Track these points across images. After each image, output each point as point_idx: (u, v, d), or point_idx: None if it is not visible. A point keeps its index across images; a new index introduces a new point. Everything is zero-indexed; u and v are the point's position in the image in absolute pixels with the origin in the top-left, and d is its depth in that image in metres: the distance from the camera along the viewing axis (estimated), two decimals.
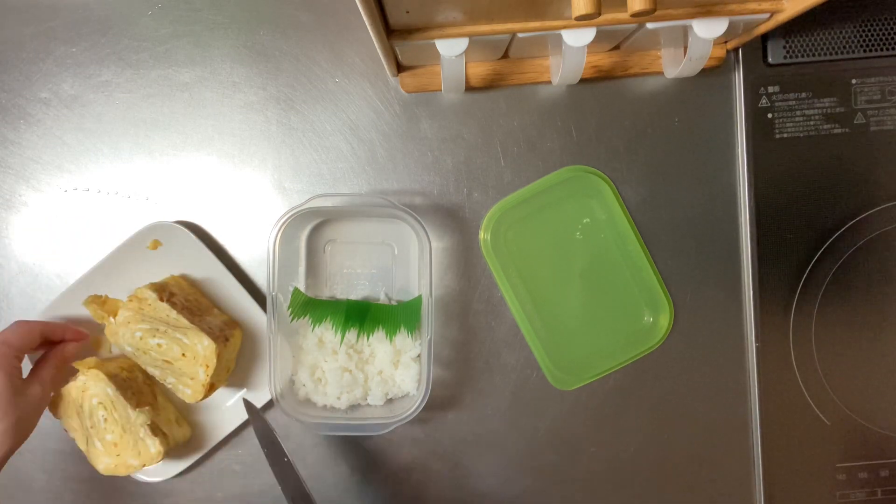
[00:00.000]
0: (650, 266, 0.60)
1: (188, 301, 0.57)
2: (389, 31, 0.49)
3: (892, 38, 0.60)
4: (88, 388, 0.56)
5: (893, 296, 0.61)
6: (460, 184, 0.61)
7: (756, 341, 0.60)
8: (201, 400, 0.55)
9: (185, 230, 0.58)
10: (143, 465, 0.55)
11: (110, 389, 0.56)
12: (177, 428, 0.58)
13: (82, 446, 0.57)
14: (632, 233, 0.60)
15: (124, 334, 0.55)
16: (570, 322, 0.61)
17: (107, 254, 0.58)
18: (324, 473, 0.61)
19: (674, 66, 0.57)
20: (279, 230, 0.55)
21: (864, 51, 0.60)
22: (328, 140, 0.61)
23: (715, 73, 0.61)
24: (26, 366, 0.54)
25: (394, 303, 0.60)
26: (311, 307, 0.58)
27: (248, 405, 0.56)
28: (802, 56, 0.60)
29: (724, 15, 0.51)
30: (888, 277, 0.61)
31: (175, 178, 0.61)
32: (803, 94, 0.60)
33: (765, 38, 0.60)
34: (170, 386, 0.56)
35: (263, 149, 0.61)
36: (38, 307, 0.61)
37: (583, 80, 0.58)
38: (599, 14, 0.39)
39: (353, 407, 0.59)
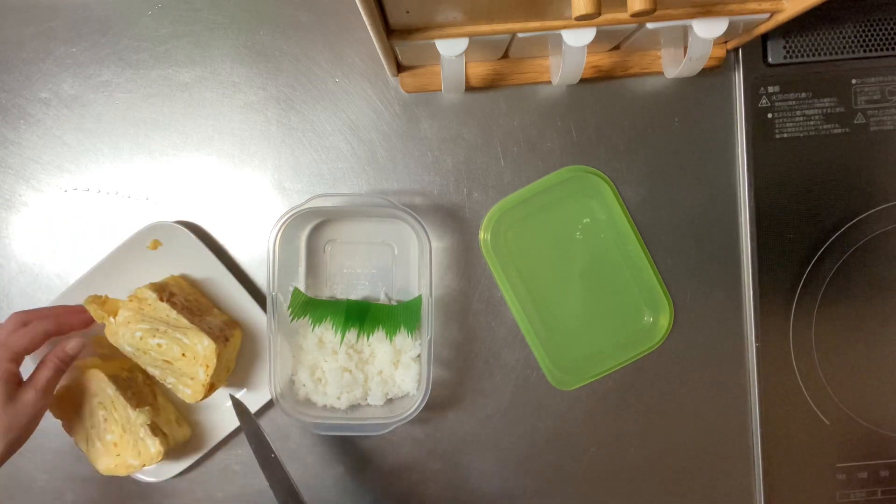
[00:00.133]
0: (650, 266, 0.60)
1: (188, 301, 0.57)
2: (389, 31, 0.49)
3: (892, 38, 0.60)
4: (88, 388, 0.56)
5: (893, 296, 0.61)
6: (460, 184, 0.61)
7: (756, 341, 0.60)
8: (201, 400, 0.55)
9: (185, 230, 0.58)
10: (143, 465, 0.55)
11: (110, 389, 0.56)
12: (177, 428, 0.58)
13: (82, 446, 0.57)
14: (632, 233, 0.60)
15: (124, 334, 0.55)
16: (570, 322, 0.61)
17: (107, 254, 0.58)
18: (324, 473, 0.61)
19: (674, 66, 0.57)
20: (279, 230, 0.55)
21: (864, 51, 0.60)
22: (328, 140, 0.61)
23: (715, 73, 0.61)
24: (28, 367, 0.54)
25: (394, 303, 0.60)
26: (311, 307, 0.58)
27: (236, 402, 0.56)
28: (802, 56, 0.60)
29: (724, 15, 0.51)
30: (888, 277, 0.61)
31: (175, 178, 0.61)
32: (803, 94, 0.60)
33: (765, 38, 0.60)
34: (170, 386, 0.56)
35: (263, 149, 0.61)
36: (37, 307, 0.61)
37: (583, 80, 0.58)
38: (599, 14, 0.39)
39: (353, 407, 0.59)
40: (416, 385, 0.58)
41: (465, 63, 0.53)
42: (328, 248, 0.61)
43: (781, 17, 0.51)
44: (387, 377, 0.59)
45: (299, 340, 0.59)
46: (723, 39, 0.58)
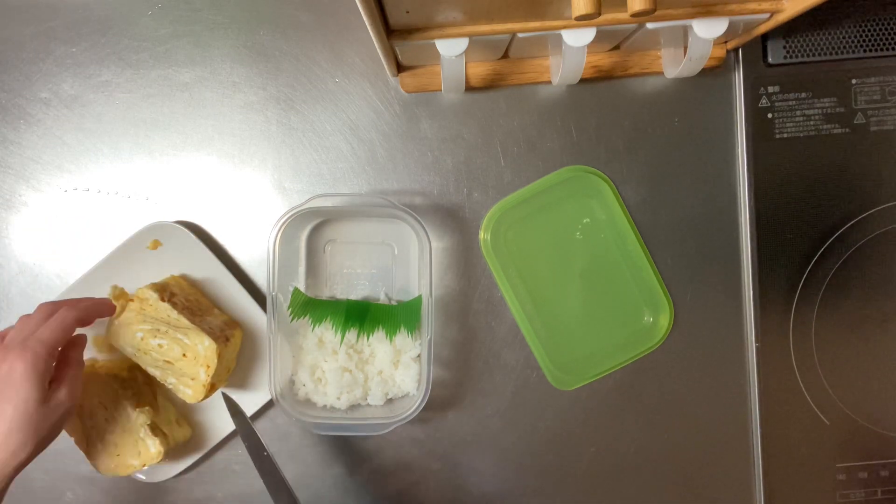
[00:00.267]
0: (650, 266, 0.60)
1: (189, 301, 0.57)
2: (389, 31, 0.49)
3: (892, 38, 0.60)
4: (88, 388, 0.56)
5: (893, 296, 0.61)
6: (460, 184, 0.61)
7: (756, 341, 0.60)
8: (202, 400, 0.55)
9: (185, 230, 0.58)
10: (143, 465, 0.55)
11: (110, 389, 0.56)
12: (177, 428, 0.58)
13: (82, 446, 0.57)
14: (632, 233, 0.60)
15: (125, 335, 0.55)
16: (570, 322, 0.61)
17: (107, 254, 0.58)
18: (324, 473, 0.61)
19: (674, 66, 0.57)
20: (279, 230, 0.55)
21: (864, 51, 0.60)
22: (328, 140, 0.61)
23: (715, 73, 0.61)
24: None
25: (394, 303, 0.60)
26: (311, 307, 0.58)
27: (227, 399, 0.56)
28: (802, 56, 0.60)
29: (724, 15, 0.51)
30: (888, 277, 0.61)
31: (175, 178, 0.61)
32: (803, 94, 0.60)
33: (765, 38, 0.60)
34: (170, 386, 0.56)
35: (263, 149, 0.61)
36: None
37: (583, 80, 0.58)
38: (599, 14, 0.39)
39: (353, 407, 0.59)
40: (416, 385, 0.58)
41: (465, 63, 0.53)
42: (328, 248, 0.61)
43: (781, 17, 0.51)
44: (387, 377, 0.59)
45: (299, 340, 0.59)
46: (723, 39, 0.58)
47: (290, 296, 0.58)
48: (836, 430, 0.61)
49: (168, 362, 0.55)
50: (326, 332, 0.58)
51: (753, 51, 0.60)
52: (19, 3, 0.61)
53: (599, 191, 0.60)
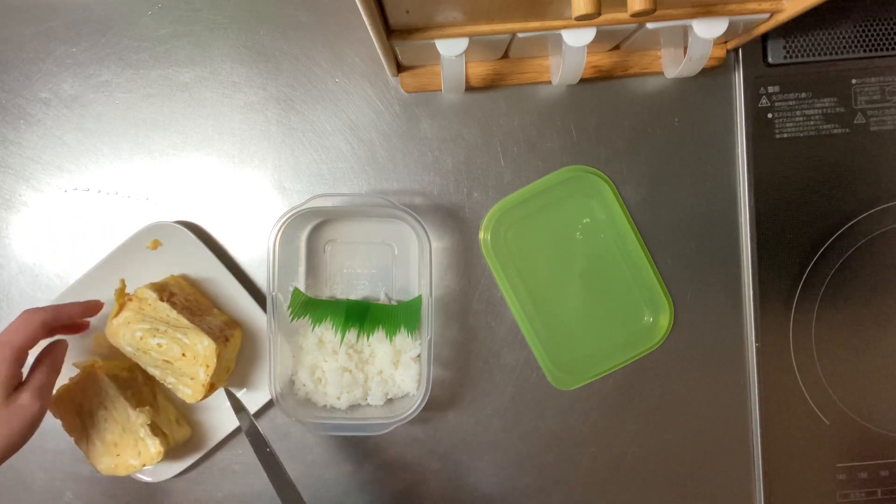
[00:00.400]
0: (650, 266, 0.60)
1: (188, 301, 0.57)
2: (389, 31, 0.49)
3: (892, 38, 0.60)
4: (88, 388, 0.56)
5: (893, 296, 0.61)
6: (460, 184, 0.61)
7: (756, 341, 0.60)
8: (201, 400, 0.55)
9: (185, 230, 0.58)
10: (143, 465, 0.55)
11: (110, 389, 0.56)
12: (177, 428, 0.58)
13: (82, 446, 0.57)
14: (632, 233, 0.60)
15: (124, 334, 0.55)
16: (570, 322, 0.61)
17: (107, 254, 0.58)
18: (324, 473, 0.61)
19: (674, 66, 0.57)
20: (279, 230, 0.55)
21: (864, 51, 0.60)
22: (328, 140, 0.61)
23: (715, 73, 0.61)
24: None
25: (394, 303, 0.60)
26: (311, 307, 0.58)
27: (230, 395, 0.56)
28: (802, 56, 0.60)
29: (724, 15, 0.51)
30: (888, 277, 0.61)
31: (175, 178, 0.61)
32: (803, 94, 0.60)
33: (765, 38, 0.60)
34: (170, 386, 0.56)
35: (263, 149, 0.61)
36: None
37: (583, 80, 0.58)
38: (599, 14, 0.39)
39: (353, 407, 0.59)
40: (416, 385, 0.58)
41: (465, 63, 0.53)
42: (328, 248, 0.61)
43: (781, 17, 0.51)
44: (387, 377, 0.59)
45: (299, 340, 0.59)
46: (723, 39, 0.58)
47: (290, 296, 0.58)
48: (836, 430, 0.61)
49: (167, 362, 0.55)
50: (326, 332, 0.58)
51: (753, 51, 0.60)
52: (19, 3, 0.61)
53: (599, 191, 0.60)
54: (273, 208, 0.61)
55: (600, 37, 0.52)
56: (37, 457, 0.61)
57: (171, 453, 0.57)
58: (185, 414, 0.60)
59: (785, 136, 0.60)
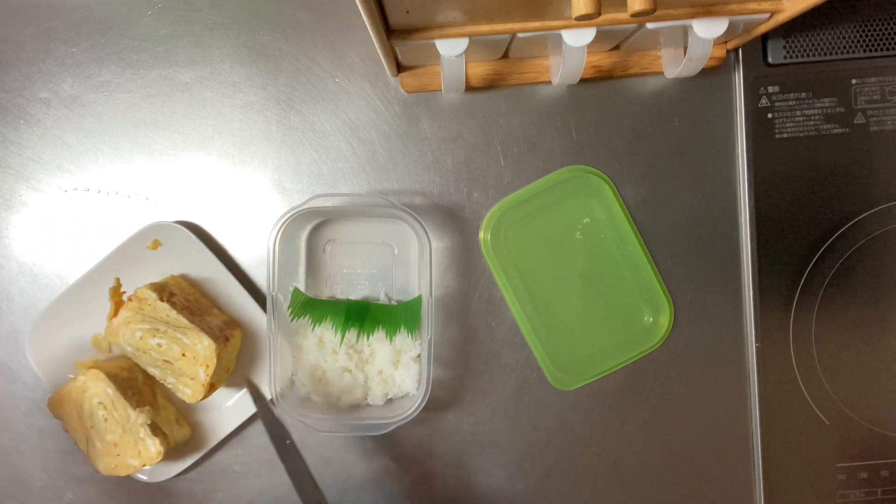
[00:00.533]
0: (650, 266, 0.60)
1: (188, 301, 0.57)
2: (389, 31, 0.49)
3: (892, 38, 0.60)
4: (88, 388, 0.56)
5: (894, 296, 0.61)
6: (460, 184, 0.61)
7: (756, 341, 0.60)
8: (201, 400, 0.55)
9: (185, 230, 0.58)
10: (143, 465, 0.55)
11: (110, 389, 0.56)
12: (177, 428, 0.58)
13: (82, 446, 0.57)
14: (632, 233, 0.60)
15: (124, 334, 0.55)
16: (570, 322, 0.61)
17: (107, 254, 0.58)
18: (324, 473, 0.61)
19: (674, 66, 0.57)
20: (279, 230, 0.55)
21: (864, 51, 0.60)
22: (328, 140, 0.61)
23: (715, 73, 0.61)
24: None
25: (394, 303, 0.60)
26: (311, 307, 0.58)
27: (251, 385, 0.56)
28: (802, 56, 0.60)
29: (724, 15, 0.51)
30: (888, 277, 0.61)
31: (175, 178, 0.61)
32: (803, 94, 0.60)
33: (765, 38, 0.60)
34: (170, 386, 0.56)
35: (263, 149, 0.61)
36: (38, 307, 0.61)
37: (583, 80, 0.58)
38: (599, 14, 0.39)
39: (353, 407, 0.59)
40: (416, 385, 0.58)
41: (465, 63, 0.53)
42: (328, 248, 0.61)
43: (781, 17, 0.51)
44: (387, 377, 0.59)
45: (299, 340, 0.59)
46: (723, 39, 0.58)
47: (290, 296, 0.58)
48: (836, 430, 0.61)
49: (167, 362, 0.55)
50: (326, 332, 0.58)
51: (753, 51, 0.60)
52: (19, 3, 0.61)
53: (599, 191, 0.60)
54: (273, 208, 0.61)
55: (600, 37, 0.52)
56: (37, 457, 0.61)
57: (171, 453, 0.57)
58: (185, 414, 0.60)
59: (785, 136, 0.60)
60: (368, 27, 0.45)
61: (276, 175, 0.61)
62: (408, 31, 0.49)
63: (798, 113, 0.60)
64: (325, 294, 0.61)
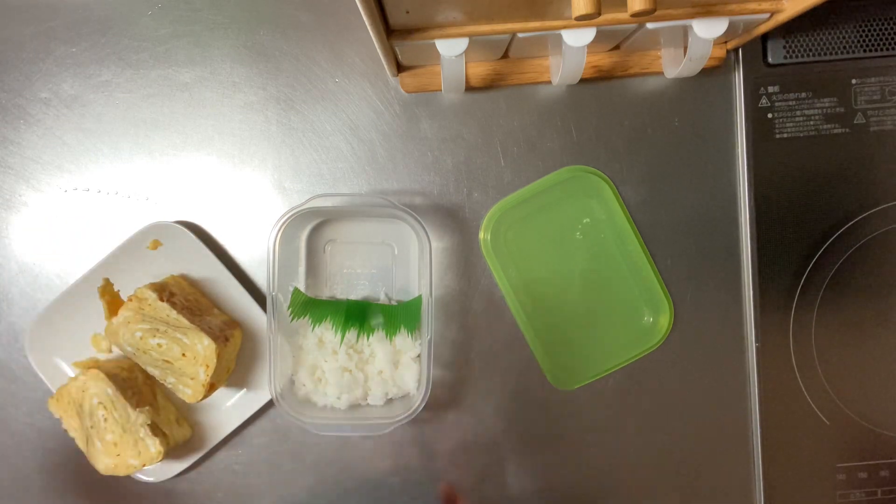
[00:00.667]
0: (650, 266, 0.60)
1: (188, 301, 0.57)
2: (389, 31, 0.49)
3: (892, 38, 0.60)
4: (88, 388, 0.56)
5: (893, 296, 0.61)
6: (460, 184, 0.61)
7: (756, 341, 0.60)
8: (201, 400, 0.55)
9: (185, 230, 0.58)
10: (143, 465, 0.55)
11: (110, 389, 0.56)
12: (177, 428, 0.58)
13: (82, 446, 0.57)
14: (632, 233, 0.60)
15: (124, 334, 0.55)
16: (571, 322, 0.61)
17: (107, 254, 0.58)
18: (324, 473, 0.61)
19: (674, 66, 0.57)
20: (279, 230, 0.55)
21: (864, 51, 0.60)
22: (328, 140, 0.61)
23: (715, 73, 0.61)
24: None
25: (394, 303, 0.60)
26: (311, 307, 0.58)
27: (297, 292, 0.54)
28: (802, 56, 0.60)
29: (724, 15, 0.51)
30: (888, 277, 0.61)
31: (175, 178, 0.61)
32: (803, 94, 0.60)
33: (765, 38, 0.60)
34: (170, 386, 0.56)
35: (263, 149, 0.61)
36: (38, 307, 0.61)
37: (583, 80, 0.58)
38: (599, 14, 0.39)
39: (353, 407, 0.59)
40: (416, 385, 0.58)
41: (465, 63, 0.53)
42: (328, 248, 0.61)
43: (781, 17, 0.51)
44: (387, 377, 0.59)
45: (299, 340, 0.59)
46: (723, 39, 0.58)
47: (290, 296, 0.58)
48: (836, 430, 0.61)
49: (167, 362, 0.55)
50: (326, 332, 0.58)
51: (753, 51, 0.60)
52: (19, 3, 0.61)
53: (599, 191, 0.60)
54: (273, 208, 0.61)
55: (600, 37, 0.52)
56: (37, 457, 0.61)
57: (171, 453, 0.57)
58: (186, 414, 0.60)
59: (785, 136, 0.60)
60: (368, 27, 0.45)
61: (276, 175, 0.61)
62: (408, 31, 0.49)
63: (798, 113, 0.60)
64: (325, 294, 0.61)
